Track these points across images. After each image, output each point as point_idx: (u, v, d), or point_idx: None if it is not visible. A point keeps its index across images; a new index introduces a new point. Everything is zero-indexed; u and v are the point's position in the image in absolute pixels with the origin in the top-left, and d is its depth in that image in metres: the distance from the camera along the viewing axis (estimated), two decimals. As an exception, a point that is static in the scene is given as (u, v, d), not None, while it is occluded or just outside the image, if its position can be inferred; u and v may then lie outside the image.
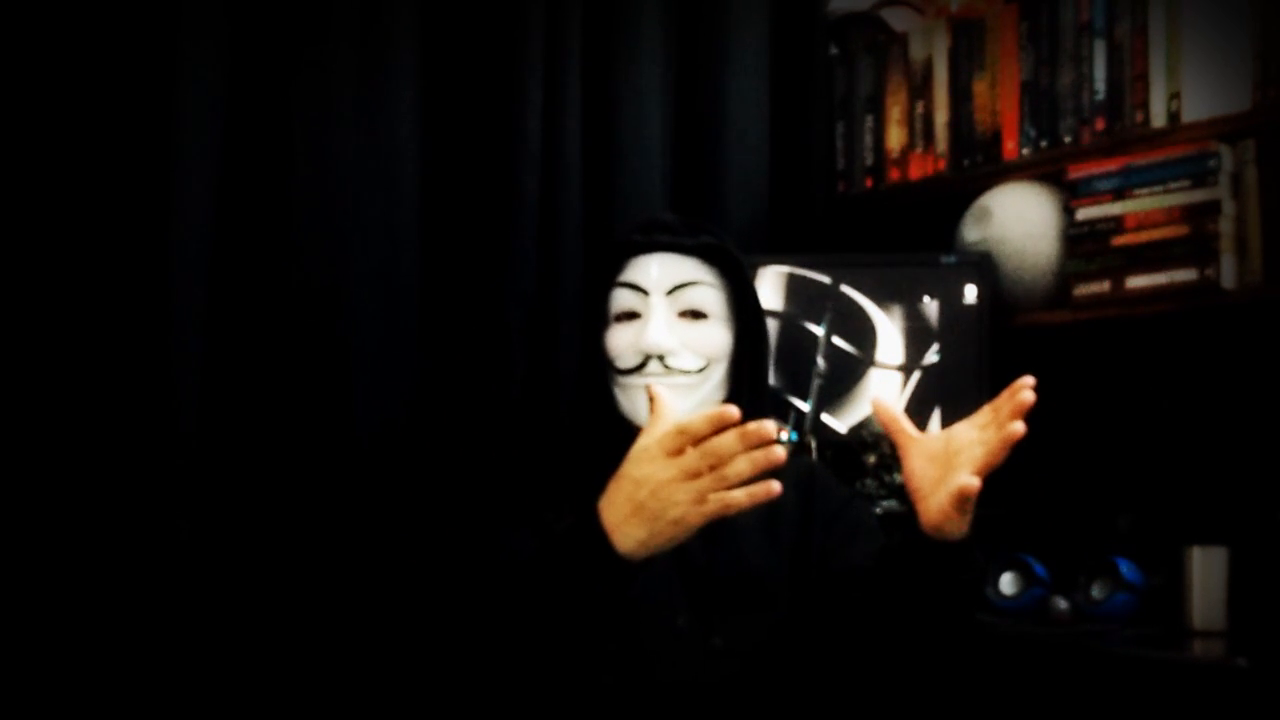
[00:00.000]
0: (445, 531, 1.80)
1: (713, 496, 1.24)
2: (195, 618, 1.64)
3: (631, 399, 1.55)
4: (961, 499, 1.29)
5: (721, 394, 1.57)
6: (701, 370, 1.55)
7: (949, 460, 1.32)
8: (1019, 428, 1.28)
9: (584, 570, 1.30)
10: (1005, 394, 1.30)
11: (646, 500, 1.26)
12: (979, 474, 1.29)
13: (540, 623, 1.38)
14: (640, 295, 1.56)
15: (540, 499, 1.52)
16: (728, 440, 1.23)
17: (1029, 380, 1.30)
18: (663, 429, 1.27)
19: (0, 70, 1.58)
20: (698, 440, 1.24)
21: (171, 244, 1.65)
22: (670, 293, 1.56)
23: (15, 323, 1.58)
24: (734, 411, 1.24)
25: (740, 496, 1.23)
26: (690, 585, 1.49)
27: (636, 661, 1.45)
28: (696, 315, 1.56)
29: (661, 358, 1.53)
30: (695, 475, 1.24)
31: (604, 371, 1.58)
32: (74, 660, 1.57)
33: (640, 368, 1.54)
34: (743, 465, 1.23)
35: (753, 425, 1.23)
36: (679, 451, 1.25)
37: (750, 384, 1.59)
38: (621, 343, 1.56)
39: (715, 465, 1.24)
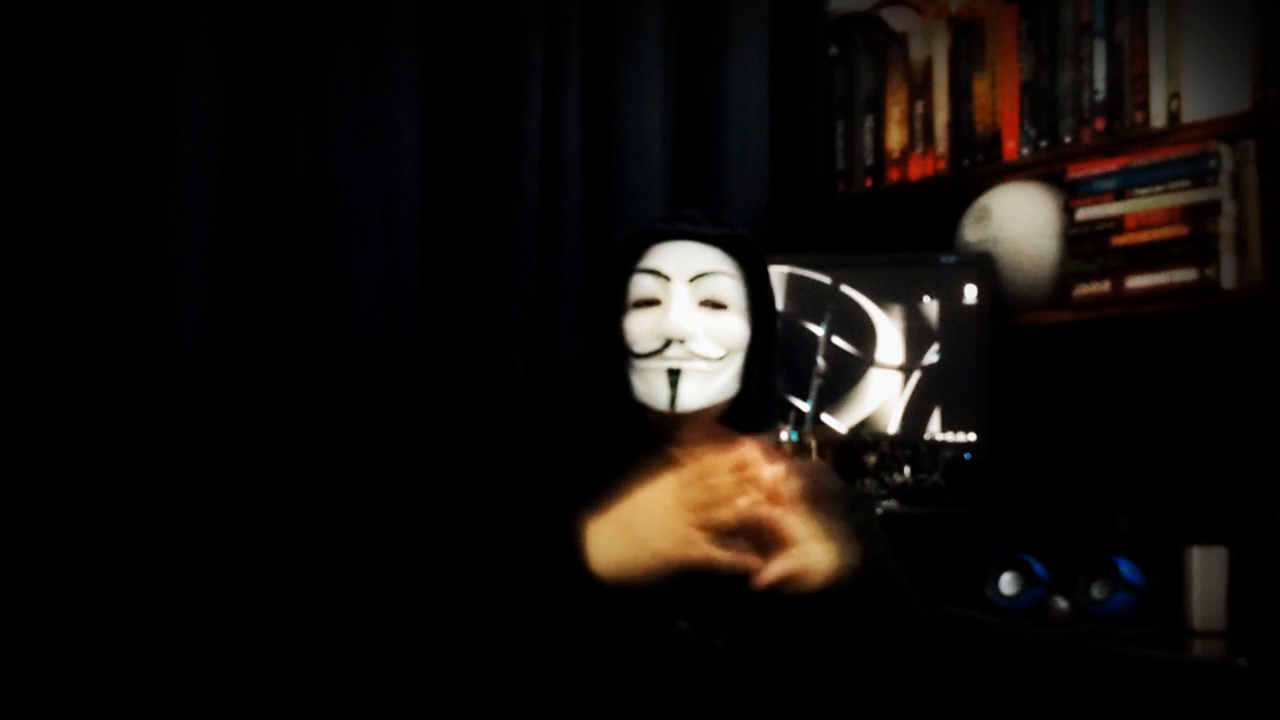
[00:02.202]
0: (435, 533, 1.79)
1: (700, 543, 1.26)
2: (195, 618, 1.64)
3: (648, 382, 1.54)
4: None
5: (736, 386, 1.57)
6: (721, 359, 1.54)
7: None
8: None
9: (552, 582, 1.32)
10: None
11: (637, 522, 1.29)
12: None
13: (506, 629, 1.39)
14: (662, 281, 1.55)
15: (535, 498, 1.53)
16: (725, 482, 1.26)
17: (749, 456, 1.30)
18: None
19: (0, 70, 1.58)
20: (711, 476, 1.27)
21: (171, 244, 1.65)
22: (692, 280, 1.55)
23: (15, 323, 1.58)
24: (749, 454, 1.27)
25: (725, 556, 1.26)
26: (692, 587, 1.49)
27: (637, 664, 1.45)
28: (716, 305, 1.56)
29: (683, 342, 1.53)
30: (694, 510, 1.27)
31: (620, 357, 1.57)
32: (74, 660, 1.57)
33: (660, 351, 1.54)
34: (727, 513, 1.26)
35: (758, 471, 1.26)
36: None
37: (759, 379, 1.59)
38: (641, 328, 1.55)
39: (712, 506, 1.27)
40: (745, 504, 1.26)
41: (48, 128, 1.60)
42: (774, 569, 1.29)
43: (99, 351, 1.62)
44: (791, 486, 1.31)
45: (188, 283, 1.66)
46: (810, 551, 1.31)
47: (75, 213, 1.62)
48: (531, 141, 1.97)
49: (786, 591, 1.31)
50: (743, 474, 1.27)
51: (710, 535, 1.27)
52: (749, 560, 1.27)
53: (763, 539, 1.30)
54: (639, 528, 1.29)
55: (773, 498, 1.29)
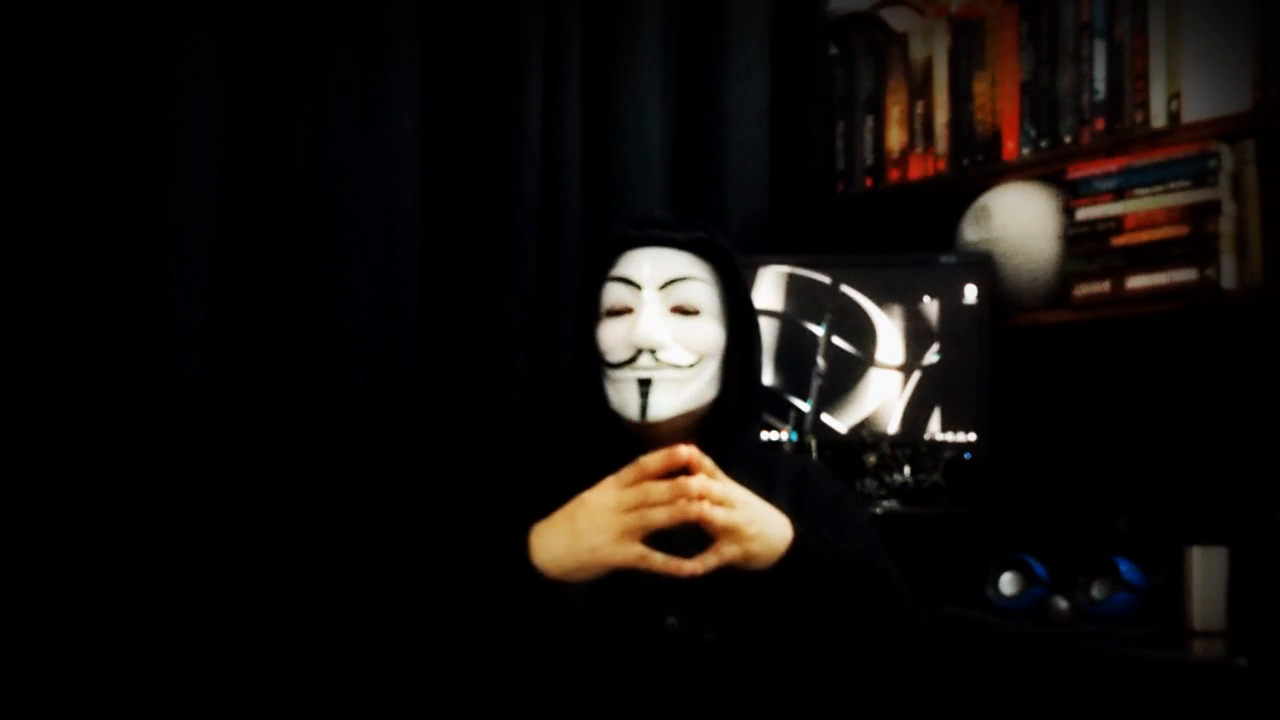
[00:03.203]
0: (422, 532, 1.80)
1: (635, 546, 1.33)
2: (195, 618, 1.64)
3: (621, 392, 1.55)
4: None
5: (714, 390, 1.57)
6: (693, 365, 1.55)
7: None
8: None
9: (497, 575, 1.37)
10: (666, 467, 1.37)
11: (579, 521, 1.35)
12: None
13: (454, 625, 1.43)
14: (633, 290, 1.56)
15: (514, 500, 1.54)
16: (659, 486, 1.32)
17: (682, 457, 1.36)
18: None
19: (0, 70, 1.58)
20: (649, 477, 1.34)
21: (172, 245, 1.65)
22: (663, 287, 1.56)
23: (15, 324, 1.58)
24: (684, 453, 1.33)
25: (658, 558, 1.33)
26: (680, 583, 1.49)
27: (625, 660, 1.45)
28: (689, 311, 1.56)
29: (653, 351, 1.53)
30: (630, 511, 1.33)
31: (595, 366, 1.58)
32: (74, 660, 1.57)
33: (631, 361, 1.54)
34: (660, 514, 1.32)
35: (685, 480, 1.32)
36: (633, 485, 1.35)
37: (741, 381, 1.59)
38: (613, 337, 1.56)
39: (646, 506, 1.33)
40: (675, 509, 1.32)
41: (48, 128, 1.60)
42: (699, 562, 1.34)
43: (99, 351, 1.62)
44: (719, 487, 1.35)
45: (188, 282, 1.66)
46: (744, 538, 1.35)
47: (75, 213, 1.62)
48: (531, 141, 1.97)
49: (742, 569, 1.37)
50: (673, 477, 1.33)
51: (643, 535, 1.34)
52: (680, 563, 1.33)
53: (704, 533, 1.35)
54: (579, 528, 1.35)
55: (702, 497, 1.33)
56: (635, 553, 1.33)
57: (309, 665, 1.71)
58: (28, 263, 1.59)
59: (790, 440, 2.07)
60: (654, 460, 1.34)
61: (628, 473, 1.35)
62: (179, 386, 1.65)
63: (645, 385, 1.53)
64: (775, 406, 2.10)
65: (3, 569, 1.55)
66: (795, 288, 2.13)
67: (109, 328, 1.63)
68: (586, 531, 1.34)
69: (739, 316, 1.60)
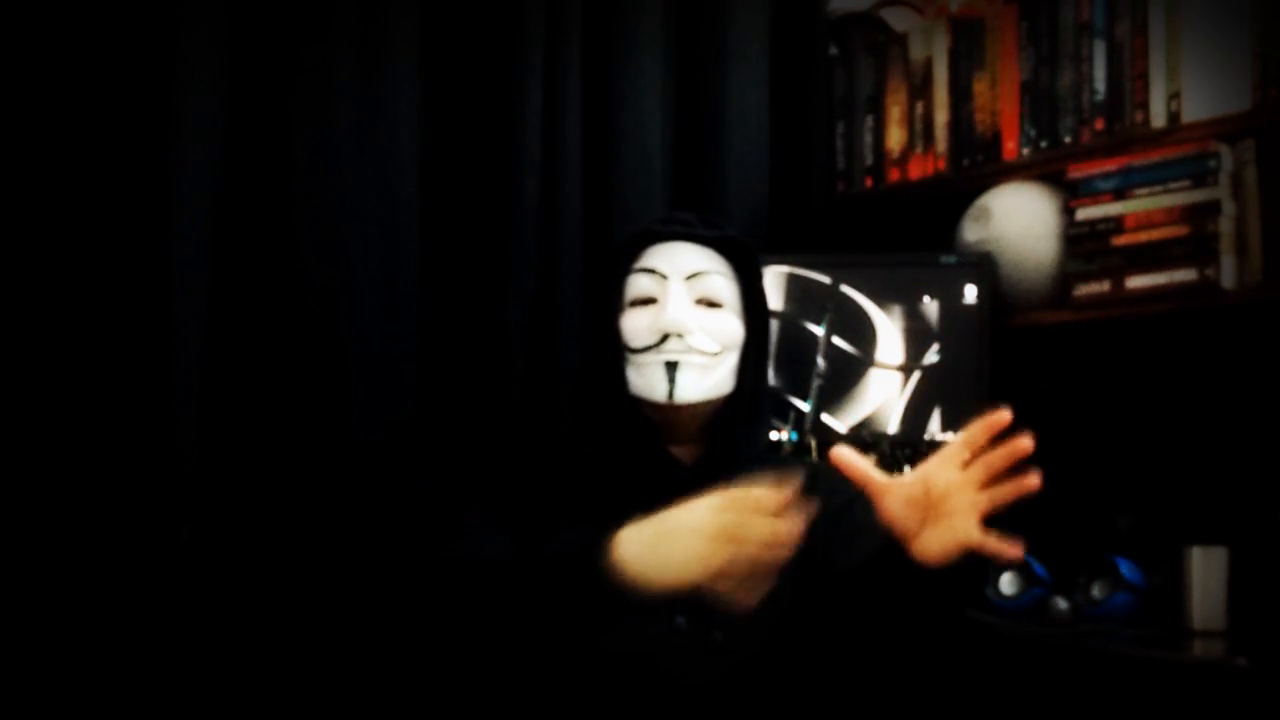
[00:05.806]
0: (418, 526, 1.79)
1: (720, 575, 1.25)
2: (196, 619, 1.64)
3: (646, 376, 1.55)
4: (966, 548, 1.28)
5: (732, 383, 1.58)
6: (717, 354, 1.56)
7: (934, 504, 1.30)
8: (1033, 481, 1.29)
9: (570, 589, 1.32)
10: (983, 432, 1.29)
11: (666, 540, 1.28)
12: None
13: (515, 629, 1.39)
14: (658, 280, 1.57)
15: (534, 497, 1.54)
16: (759, 523, 1.24)
17: (1005, 416, 1.30)
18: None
19: (0, 70, 1.58)
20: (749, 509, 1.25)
21: (172, 245, 1.65)
22: (688, 279, 1.57)
23: (15, 324, 1.58)
24: (792, 491, 1.25)
25: (733, 586, 1.25)
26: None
27: (634, 659, 1.45)
28: (712, 303, 1.58)
29: (680, 336, 1.54)
30: (723, 540, 1.25)
31: (616, 354, 1.58)
32: (75, 660, 1.57)
33: (657, 345, 1.55)
34: (752, 551, 1.24)
35: (786, 525, 1.24)
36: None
37: (753, 378, 1.60)
38: (638, 324, 1.57)
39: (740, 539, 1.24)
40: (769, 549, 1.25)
41: (48, 128, 1.60)
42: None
43: (100, 352, 1.62)
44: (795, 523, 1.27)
45: (188, 283, 1.66)
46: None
47: (75, 213, 1.62)
48: (531, 142, 1.97)
49: None
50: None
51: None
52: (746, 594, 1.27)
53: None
54: (667, 547, 1.28)
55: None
56: (712, 572, 1.25)
57: (309, 665, 1.71)
58: (28, 264, 1.59)
59: (790, 440, 2.07)
60: (763, 496, 1.26)
61: (728, 498, 1.27)
62: (179, 387, 1.65)
63: (672, 368, 1.53)
64: (775, 406, 2.10)
65: (5, 569, 1.55)
66: (795, 288, 2.13)
67: (110, 328, 1.63)
68: (673, 553, 1.27)
69: (757, 316, 1.61)
